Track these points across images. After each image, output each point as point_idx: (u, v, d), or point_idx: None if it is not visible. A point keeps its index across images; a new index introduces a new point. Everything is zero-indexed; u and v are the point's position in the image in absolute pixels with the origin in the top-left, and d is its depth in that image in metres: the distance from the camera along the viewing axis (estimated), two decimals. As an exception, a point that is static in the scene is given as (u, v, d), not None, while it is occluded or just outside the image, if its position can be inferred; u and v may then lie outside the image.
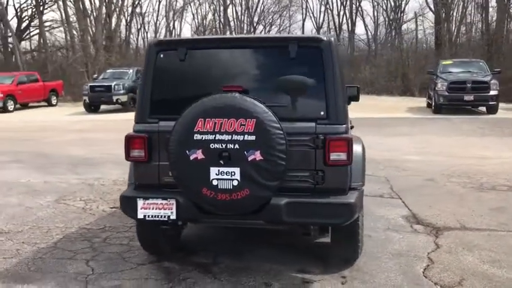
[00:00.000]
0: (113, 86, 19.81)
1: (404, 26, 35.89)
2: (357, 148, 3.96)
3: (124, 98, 19.95)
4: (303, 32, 46.51)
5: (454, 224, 5.32)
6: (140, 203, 3.72)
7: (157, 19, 47.74)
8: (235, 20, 48.28)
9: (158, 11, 46.89)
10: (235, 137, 3.38)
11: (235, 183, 3.42)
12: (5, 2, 39.90)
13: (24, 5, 39.36)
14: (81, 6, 34.07)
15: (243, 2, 44.48)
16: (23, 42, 38.31)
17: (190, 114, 3.45)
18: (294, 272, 4.02)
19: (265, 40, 4.25)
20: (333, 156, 3.60)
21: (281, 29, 46.94)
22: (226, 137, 3.39)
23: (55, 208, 6.04)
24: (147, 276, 4.02)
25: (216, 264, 4.24)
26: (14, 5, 41.28)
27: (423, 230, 5.11)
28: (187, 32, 46.54)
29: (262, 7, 45.02)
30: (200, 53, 3.83)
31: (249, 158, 3.38)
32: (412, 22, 35.95)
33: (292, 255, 4.39)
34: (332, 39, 3.74)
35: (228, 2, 42.46)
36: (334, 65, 3.65)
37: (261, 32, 44.57)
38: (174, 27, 48.12)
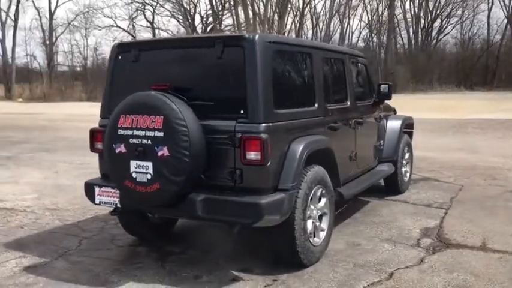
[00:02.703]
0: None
1: None
2: (294, 148, 3.81)
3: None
4: (488, 24, 42.82)
5: (474, 242, 4.66)
6: (96, 190, 4.15)
7: (330, 19, 48.28)
8: (411, 11, 46.53)
9: (332, 9, 47.25)
10: (148, 133, 3.59)
11: (149, 176, 3.63)
12: (193, 10, 44.77)
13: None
14: (250, 10, 36.39)
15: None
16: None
17: (116, 111, 3.76)
18: (234, 269, 4.04)
19: (197, 40, 4.31)
20: (249, 155, 3.56)
21: (464, 19, 44.02)
22: (141, 133, 3.62)
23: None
24: (111, 256, 4.44)
25: (179, 254, 4.47)
26: (199, 13, 45.84)
27: (426, 245, 4.60)
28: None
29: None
30: (148, 54, 4.09)
31: (159, 154, 3.56)
32: None
33: (252, 255, 4.38)
34: (257, 37, 3.66)
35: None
36: (256, 64, 3.59)
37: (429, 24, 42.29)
38: (349, 23, 48.42)
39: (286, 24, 45.26)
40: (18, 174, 8.52)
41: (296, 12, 46.66)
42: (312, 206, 4.09)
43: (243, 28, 37.25)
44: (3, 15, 43.70)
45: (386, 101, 6.60)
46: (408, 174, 6.86)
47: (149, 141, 3.58)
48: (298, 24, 47.21)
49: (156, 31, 47.75)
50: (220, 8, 45.08)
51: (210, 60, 3.76)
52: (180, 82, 3.84)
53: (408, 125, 6.75)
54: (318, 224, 4.20)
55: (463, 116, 18.04)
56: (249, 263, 4.17)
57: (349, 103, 5.01)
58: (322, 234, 4.26)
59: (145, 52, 4.08)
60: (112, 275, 3.99)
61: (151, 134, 3.57)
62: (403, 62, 44.56)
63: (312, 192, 4.02)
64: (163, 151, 3.54)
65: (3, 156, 10.39)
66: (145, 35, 46.98)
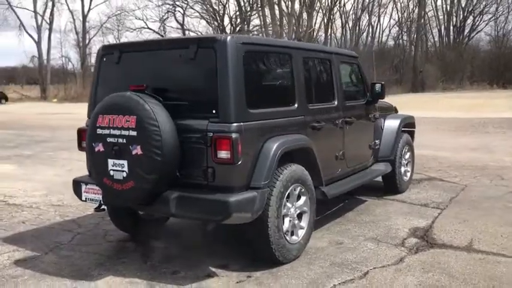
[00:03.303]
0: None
1: None
2: (267, 147, 3.87)
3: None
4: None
5: (460, 243, 4.62)
6: (83, 187, 4.32)
7: (360, 16, 47.85)
8: (443, 9, 45.71)
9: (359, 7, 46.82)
10: (123, 132, 3.72)
11: (125, 174, 3.76)
12: (222, 11, 45.17)
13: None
14: (276, 11, 36.49)
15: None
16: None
17: (95, 111, 3.91)
18: (213, 265, 4.13)
19: (173, 42, 4.40)
20: (220, 154, 3.64)
21: (498, 15, 43.06)
22: (117, 132, 3.76)
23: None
24: (99, 251, 4.61)
25: (164, 250, 4.61)
26: (228, 14, 46.29)
27: (410, 245, 4.59)
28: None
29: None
30: (129, 55, 4.23)
31: (133, 152, 3.69)
32: None
33: (233, 252, 4.45)
34: (228, 39, 3.74)
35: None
36: (227, 65, 3.67)
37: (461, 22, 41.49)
38: (379, 21, 47.87)
39: (315, 23, 45.13)
40: (33, 171, 8.85)
41: (325, 12, 46.48)
42: (289, 204, 4.15)
43: (269, 28, 37.37)
44: (39, 18, 45.10)
45: (387, 100, 6.59)
46: (409, 174, 6.81)
47: (124, 140, 3.72)
48: (326, 23, 47.01)
49: (186, 32, 48.38)
50: (248, 9, 45.34)
51: (184, 61, 3.86)
52: (157, 83, 3.96)
53: (408, 125, 6.70)
54: (296, 222, 4.25)
55: (488, 115, 17.64)
56: (229, 259, 4.25)
57: (336, 102, 5.03)
58: (301, 232, 4.30)
59: (127, 54, 4.22)
60: (95, 269, 4.14)
61: (126, 133, 3.70)
62: (433, 60, 43.80)
63: (289, 190, 4.07)
64: (137, 150, 3.66)
65: (25, 155, 10.81)
66: (175, 36, 47.56)
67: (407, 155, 6.76)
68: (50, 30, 45.82)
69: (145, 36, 47.69)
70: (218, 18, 48.14)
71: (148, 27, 48.18)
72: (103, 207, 4.26)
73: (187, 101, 3.88)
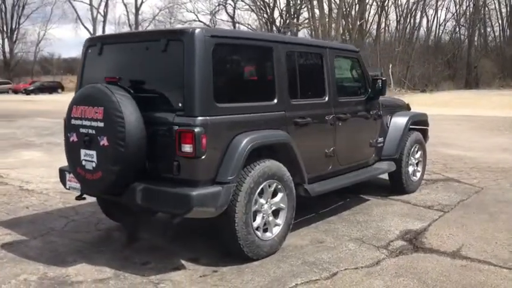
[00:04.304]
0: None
1: None
2: (236, 142, 3.83)
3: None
4: None
5: (448, 248, 4.41)
6: (67, 176, 4.44)
7: (415, 8, 46.40)
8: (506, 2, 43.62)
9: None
10: (92, 123, 3.79)
11: (94, 165, 3.83)
12: (273, 4, 45.16)
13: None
14: (325, 4, 36.04)
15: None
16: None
17: (71, 102, 4.00)
18: (184, 258, 4.15)
19: (146, 34, 4.38)
20: (184, 147, 3.64)
21: None
22: (87, 123, 3.83)
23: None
24: (84, 239, 4.73)
25: (144, 241, 4.67)
26: (278, 7, 46.27)
27: (394, 248, 4.42)
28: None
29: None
30: (109, 47, 4.29)
31: (101, 143, 3.75)
32: None
33: (209, 246, 4.42)
34: (196, 31, 3.71)
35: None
36: (193, 58, 3.65)
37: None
38: (436, 15, 46.26)
39: (368, 15, 44.21)
40: (57, 159, 9.13)
41: (378, 4, 45.39)
42: (262, 201, 4.09)
43: (317, 21, 36.94)
44: (94, 11, 46.67)
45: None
46: (419, 174, 6.55)
47: (93, 131, 3.78)
48: (379, 16, 45.90)
49: (236, 25, 48.67)
50: (298, 1, 45.03)
51: (156, 54, 3.87)
52: (132, 75, 4.00)
53: (418, 122, 6.43)
54: (270, 218, 4.18)
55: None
56: (203, 253, 4.25)
57: (327, 98, 4.89)
58: (277, 229, 4.24)
59: (107, 46, 4.29)
60: (72, 255, 4.25)
61: (95, 124, 3.77)
62: (491, 56, 41.91)
63: (261, 186, 4.02)
64: (104, 141, 3.72)
65: (55, 143, 11.22)
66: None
67: (418, 154, 6.50)
68: (104, 22, 47.51)
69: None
70: (268, 11, 48.10)
71: (199, 20, 48.83)
72: (84, 196, 4.36)
73: (158, 94, 3.90)
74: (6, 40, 60.44)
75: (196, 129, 3.58)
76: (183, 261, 4.10)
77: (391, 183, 6.34)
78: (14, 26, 59.86)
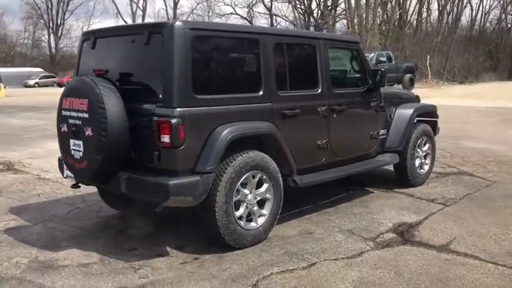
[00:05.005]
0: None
1: None
2: (216, 132, 3.90)
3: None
4: None
5: (438, 242, 4.34)
6: (65, 165, 4.63)
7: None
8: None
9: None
10: (79, 114, 3.95)
11: (81, 154, 4.00)
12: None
13: None
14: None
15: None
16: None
17: (62, 94, 4.17)
18: (170, 246, 4.27)
19: (132, 28, 4.46)
20: (163, 138, 3.74)
21: None
22: (75, 114, 3.99)
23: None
24: (84, 225, 4.93)
25: (139, 229, 4.81)
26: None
27: (382, 240, 4.40)
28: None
29: None
30: (101, 41, 4.42)
31: (86, 133, 3.90)
32: None
33: (197, 234, 4.51)
34: (175, 24, 3.78)
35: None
36: (172, 50, 3.74)
37: None
38: (481, 3, 44.49)
39: (409, 5, 43.15)
40: (80, 150, 9.51)
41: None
42: (246, 191, 4.15)
43: (355, 13, 36.38)
44: (134, 6, 47.62)
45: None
46: (427, 167, 6.42)
47: (80, 122, 3.94)
48: (420, 5, 44.72)
49: (273, 18, 48.57)
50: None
51: (140, 47, 3.97)
52: (119, 67, 4.14)
53: (425, 114, 6.30)
54: (255, 208, 4.24)
55: None
56: (190, 241, 4.36)
57: (320, 90, 4.88)
58: (262, 220, 4.29)
59: (100, 39, 4.43)
60: (66, 241, 4.45)
61: (81, 115, 3.92)
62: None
63: (244, 177, 4.08)
64: (89, 131, 3.87)
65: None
66: (262, 21, 47.96)
67: (426, 147, 6.38)
68: (144, 16, 48.41)
69: (233, 22, 48.57)
70: (306, 3, 47.73)
71: (236, 13, 49.01)
72: (79, 184, 4.54)
73: (142, 86, 4.01)
74: (52, 35, 62.69)
75: (174, 120, 3.67)
76: (168, 249, 4.21)
77: (396, 176, 6.26)
78: (59, 22, 62.07)
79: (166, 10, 50.44)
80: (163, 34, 3.78)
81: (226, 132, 3.92)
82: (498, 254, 4.04)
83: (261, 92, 4.31)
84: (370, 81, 5.53)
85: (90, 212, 5.39)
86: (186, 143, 3.75)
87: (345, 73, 5.56)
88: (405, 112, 6.03)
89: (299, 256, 4.02)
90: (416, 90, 25.29)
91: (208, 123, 3.91)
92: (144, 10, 48.14)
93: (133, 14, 47.54)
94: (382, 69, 5.46)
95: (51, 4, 58.69)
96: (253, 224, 4.24)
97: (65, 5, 59.56)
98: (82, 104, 3.89)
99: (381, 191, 6.08)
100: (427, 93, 22.42)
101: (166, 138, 3.71)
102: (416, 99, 6.68)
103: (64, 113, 4.11)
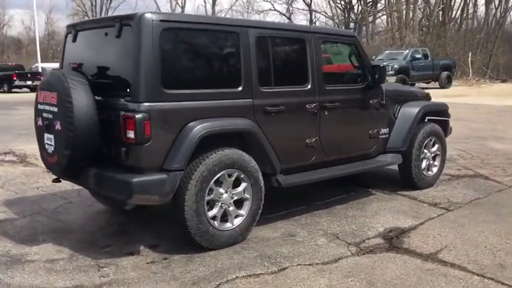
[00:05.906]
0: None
1: None
2: (187, 129, 3.75)
3: (392, 80, 19.70)
4: None
5: (426, 249, 4.06)
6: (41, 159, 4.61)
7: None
8: None
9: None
10: (50, 108, 3.89)
11: (53, 148, 3.95)
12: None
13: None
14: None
15: None
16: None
17: (38, 87, 4.13)
18: (144, 244, 4.17)
19: (105, 20, 4.33)
20: (128, 134, 3.62)
21: None
22: (47, 108, 3.94)
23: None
24: (69, 219, 4.92)
25: (121, 225, 4.74)
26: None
27: (366, 246, 4.15)
28: None
29: None
30: (81, 34, 4.35)
31: (56, 128, 3.84)
32: None
33: (175, 234, 4.40)
34: (144, 16, 3.65)
35: None
36: (139, 42, 3.61)
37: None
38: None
39: (454, 1, 41.65)
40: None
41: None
42: (221, 190, 3.99)
43: (393, 8, 35.50)
44: (173, 2, 48.11)
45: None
46: (435, 169, 6.07)
47: (51, 116, 3.89)
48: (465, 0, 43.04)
49: (312, 14, 48.03)
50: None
51: (112, 39, 3.87)
52: (93, 61, 4.06)
53: (433, 113, 5.95)
54: (231, 208, 4.07)
55: None
56: (167, 240, 4.24)
57: (309, 86, 4.65)
58: (239, 220, 4.12)
59: (80, 32, 4.36)
60: (45, 235, 4.43)
61: (52, 109, 3.87)
62: None
63: (218, 175, 3.92)
64: (58, 125, 3.81)
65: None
66: (300, 17, 47.52)
67: (434, 148, 6.03)
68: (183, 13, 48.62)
69: (272, 19, 48.34)
70: (345, -1, 46.88)
71: (275, 9, 48.71)
72: (60, 179, 4.50)
73: (113, 79, 3.92)
74: (96, 31, 63.97)
75: (139, 115, 3.55)
76: (142, 247, 4.11)
77: (401, 177, 5.95)
78: (102, 18, 63.26)
79: (205, 7, 50.68)
80: (132, 26, 3.67)
81: (197, 129, 3.76)
82: (489, 265, 3.73)
83: (240, 88, 4.14)
84: (370, 78, 5.25)
85: (80, 206, 5.37)
86: (153, 139, 3.62)
87: (339, 68, 5.29)
88: (410, 110, 5.71)
89: (271, 260, 3.83)
90: (453, 88, 24.44)
91: (178, 119, 3.77)
92: (183, 7, 48.53)
93: (173, 11, 47.95)
94: (382, 65, 5.17)
95: (95, 1, 60.02)
96: (228, 224, 4.08)
97: (108, 2, 60.73)
98: (52, 97, 3.84)
99: (383, 193, 5.79)
100: (464, 92, 21.60)
101: (131, 134, 3.60)
102: (427, 97, 6.33)
103: (39, 106, 4.07)
